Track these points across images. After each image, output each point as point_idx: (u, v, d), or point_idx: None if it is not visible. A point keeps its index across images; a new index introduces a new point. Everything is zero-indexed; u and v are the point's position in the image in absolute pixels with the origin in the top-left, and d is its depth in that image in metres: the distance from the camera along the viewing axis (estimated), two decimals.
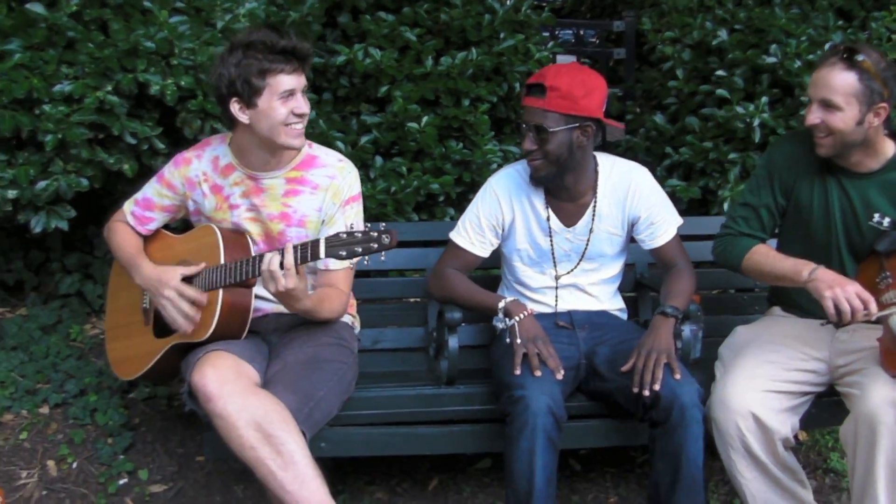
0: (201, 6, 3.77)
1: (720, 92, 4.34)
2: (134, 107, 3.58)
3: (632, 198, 3.24)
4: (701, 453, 2.97)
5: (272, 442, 2.70)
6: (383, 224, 2.75)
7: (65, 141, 3.36)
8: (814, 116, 3.00)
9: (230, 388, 2.76)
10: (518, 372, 2.96)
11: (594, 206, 3.23)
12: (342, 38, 4.43)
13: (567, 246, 3.27)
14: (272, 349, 3.12)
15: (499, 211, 3.25)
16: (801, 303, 3.24)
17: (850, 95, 2.94)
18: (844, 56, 2.94)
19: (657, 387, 2.95)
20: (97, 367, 3.80)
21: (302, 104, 2.96)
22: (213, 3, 3.76)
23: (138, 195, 3.26)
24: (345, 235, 2.70)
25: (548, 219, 3.23)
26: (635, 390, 2.96)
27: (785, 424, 3.05)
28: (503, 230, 3.28)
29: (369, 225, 2.76)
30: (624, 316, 3.44)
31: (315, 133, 4.11)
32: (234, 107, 2.93)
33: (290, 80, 2.92)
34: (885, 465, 2.85)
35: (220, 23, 3.65)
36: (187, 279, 3.03)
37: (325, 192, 3.09)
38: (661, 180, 4.45)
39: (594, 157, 3.26)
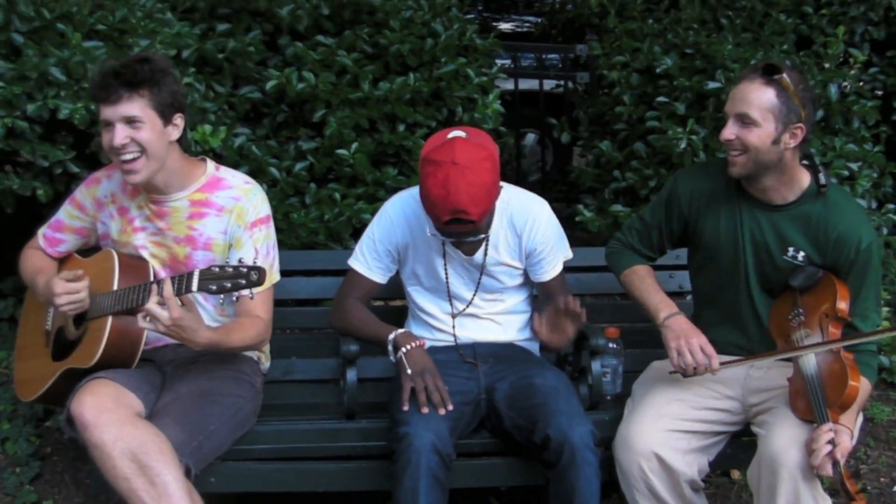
0: (125, 28, 3.74)
1: (651, 122, 4.25)
2: (48, 131, 3.53)
3: (529, 230, 3.15)
4: (595, 496, 2.87)
5: (147, 473, 2.63)
6: (256, 260, 2.70)
7: None
8: (729, 131, 2.90)
9: (107, 416, 2.69)
10: (406, 407, 2.88)
11: (489, 237, 3.13)
12: (283, 62, 4.38)
13: (464, 274, 3.19)
14: (167, 380, 3.05)
15: (394, 234, 3.18)
16: (717, 340, 3.13)
17: (767, 111, 2.85)
18: (764, 72, 2.85)
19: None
20: (14, 395, 3.74)
21: (114, 135, 2.83)
22: (134, 27, 3.72)
23: (52, 218, 3.22)
24: (217, 269, 2.65)
25: (443, 245, 3.14)
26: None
27: (692, 466, 2.95)
28: (399, 255, 3.20)
29: (242, 260, 2.70)
30: (534, 346, 3.34)
31: (249, 159, 4.05)
32: None
33: (106, 111, 2.83)
34: None
35: (137, 48, 3.59)
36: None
37: (229, 214, 3.02)
38: (608, 205, 4.37)
39: None
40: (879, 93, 4.73)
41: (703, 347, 2.94)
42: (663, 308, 3.05)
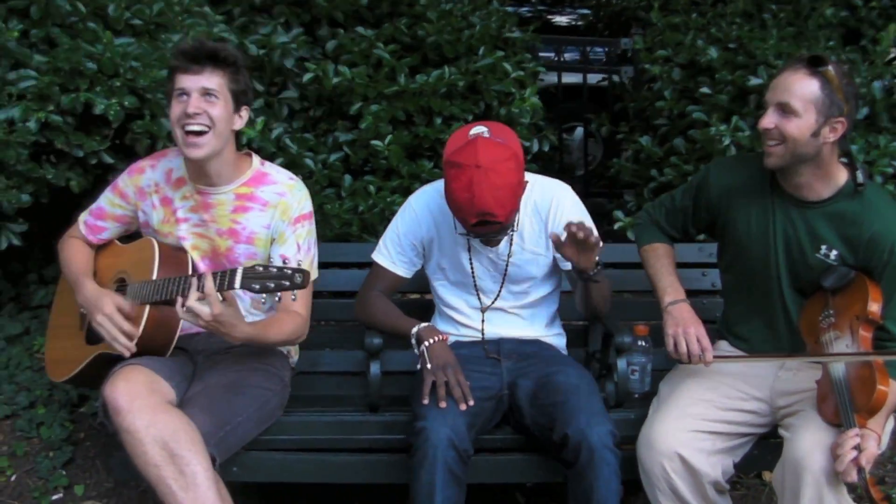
0: (162, 22, 3.78)
1: (697, 115, 4.19)
2: (84, 123, 3.58)
3: (553, 216, 3.12)
4: (615, 496, 2.83)
5: (176, 461, 2.65)
6: (298, 257, 2.75)
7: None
8: (768, 120, 2.83)
9: (140, 403, 2.72)
10: (426, 401, 2.87)
11: (515, 226, 3.11)
12: (322, 54, 4.40)
13: (489, 266, 3.16)
14: (197, 370, 3.08)
15: (419, 229, 3.17)
16: (746, 336, 3.08)
17: (809, 103, 2.77)
18: (809, 63, 2.79)
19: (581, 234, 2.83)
20: (50, 380, 3.81)
21: (191, 104, 2.86)
22: (171, 21, 3.76)
23: (93, 205, 3.25)
24: (261, 269, 2.64)
25: (467, 236, 3.12)
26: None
27: (716, 467, 2.90)
28: (424, 249, 3.20)
29: (287, 259, 2.69)
30: (561, 342, 3.32)
31: (285, 152, 4.08)
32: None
33: (185, 80, 2.87)
34: None
35: (170, 43, 3.63)
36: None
37: (274, 209, 3.04)
38: (646, 202, 4.31)
39: None
40: None
41: (699, 338, 2.93)
42: (670, 292, 3.05)
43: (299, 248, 3.02)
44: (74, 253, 3.23)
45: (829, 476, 2.65)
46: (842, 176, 2.93)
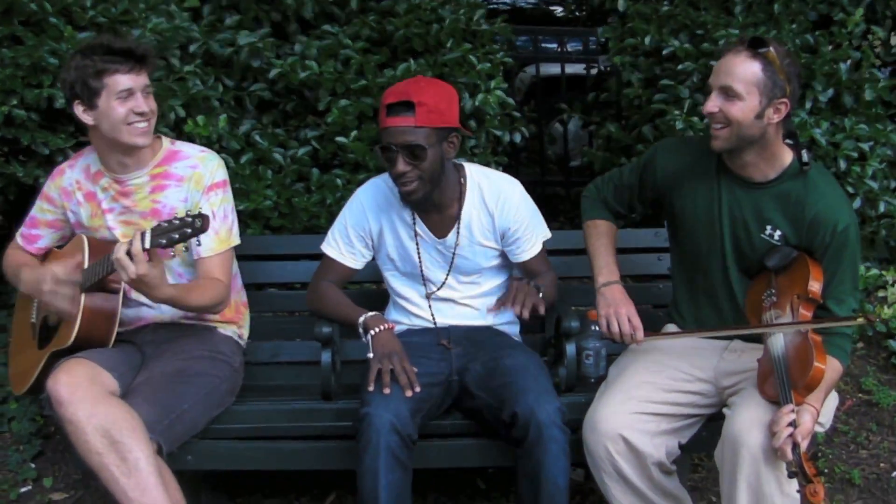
0: (127, 20, 3.84)
1: (657, 105, 4.20)
2: (49, 120, 3.65)
3: (501, 209, 3.15)
4: (563, 473, 2.86)
5: (118, 449, 2.72)
6: (200, 209, 2.81)
7: None
8: (712, 104, 2.86)
9: (81, 394, 2.79)
10: (371, 388, 2.91)
11: (461, 218, 3.14)
12: (291, 51, 4.44)
13: (438, 257, 3.20)
14: (144, 360, 3.13)
15: (365, 221, 3.21)
16: (693, 317, 3.12)
17: (752, 85, 2.79)
18: (750, 46, 2.81)
19: (526, 314, 2.99)
20: None
21: (141, 103, 2.98)
22: (135, 18, 3.82)
23: (27, 217, 3.32)
24: (165, 224, 2.73)
25: (414, 227, 3.17)
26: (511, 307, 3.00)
27: (659, 448, 2.92)
28: (373, 240, 3.23)
29: (188, 211, 2.80)
30: (514, 329, 3.35)
31: (255, 148, 4.14)
32: (78, 109, 2.99)
33: (127, 80, 2.95)
34: (746, 491, 2.71)
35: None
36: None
37: (188, 182, 3.11)
38: None
39: (461, 166, 3.20)
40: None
41: (629, 317, 2.99)
42: (605, 273, 3.10)
43: (214, 215, 3.08)
44: (13, 258, 3.31)
45: (766, 453, 2.67)
46: (787, 156, 2.94)
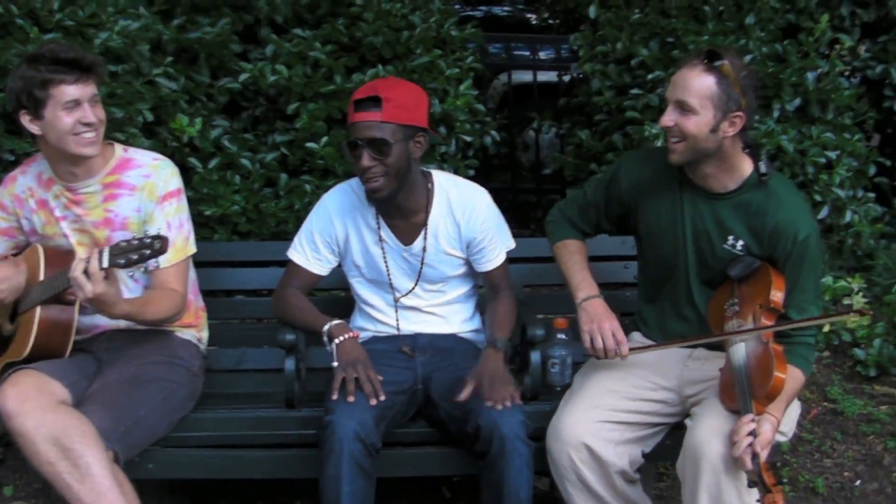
0: (94, 23, 3.82)
1: (630, 113, 4.21)
2: (14, 124, 3.61)
3: (468, 219, 3.15)
4: (526, 485, 2.87)
5: (69, 456, 2.70)
6: (159, 230, 2.80)
7: None
8: (668, 118, 2.86)
9: (29, 405, 2.76)
10: (335, 396, 2.90)
11: (427, 225, 3.14)
12: (263, 55, 4.43)
13: (404, 265, 3.19)
14: (101, 366, 3.10)
15: (332, 227, 3.20)
16: (659, 329, 3.12)
17: (706, 99, 2.79)
18: (705, 59, 2.81)
19: (508, 403, 2.89)
20: None
21: (88, 113, 2.93)
22: (103, 22, 3.80)
23: None
24: (124, 244, 2.71)
25: (380, 235, 3.16)
26: (489, 404, 2.88)
27: (622, 457, 2.92)
28: (339, 247, 3.22)
29: (147, 231, 2.81)
30: (480, 337, 3.35)
31: (224, 152, 4.12)
32: (25, 119, 2.95)
33: (73, 91, 2.91)
34: (707, 501, 2.71)
35: (97, 41, 3.66)
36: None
37: (141, 191, 3.08)
38: None
39: (429, 173, 3.20)
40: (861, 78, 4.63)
41: (614, 333, 2.95)
42: (583, 288, 3.06)
43: (169, 225, 3.06)
44: None
45: (726, 463, 2.67)
46: (747, 167, 2.95)
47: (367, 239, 3.19)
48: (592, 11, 4.64)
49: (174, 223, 3.08)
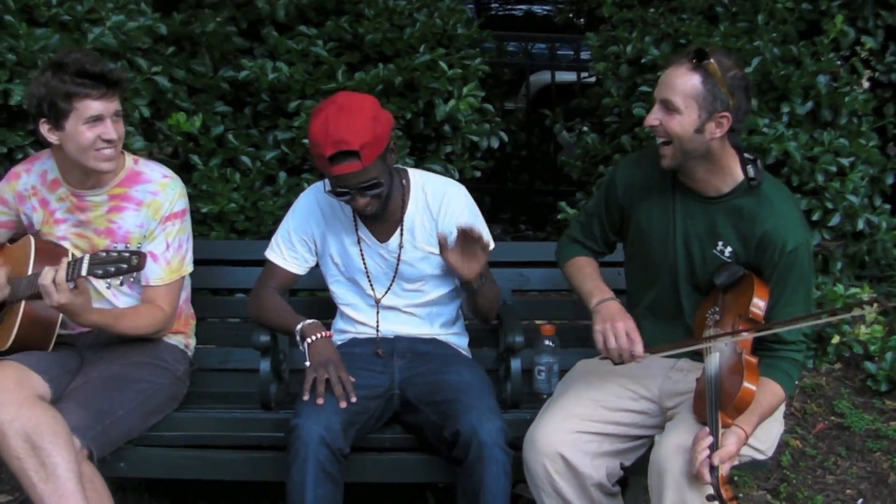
0: (93, 19, 3.80)
1: (638, 112, 4.11)
2: (9, 119, 3.63)
3: (444, 214, 3.09)
4: (504, 493, 2.81)
5: (38, 454, 2.68)
6: (169, 260, 2.86)
7: None
8: (653, 117, 2.77)
9: (6, 397, 2.75)
10: (306, 398, 2.85)
11: (403, 221, 3.08)
12: (266, 52, 4.40)
13: (382, 262, 3.14)
14: (84, 363, 3.09)
15: (308, 225, 3.15)
16: (648, 336, 3.01)
17: (690, 98, 2.70)
18: (693, 59, 2.71)
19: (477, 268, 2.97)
20: None
21: (110, 130, 2.90)
22: (101, 18, 3.78)
23: None
24: (104, 254, 2.70)
25: (357, 232, 3.12)
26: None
27: (599, 469, 2.84)
28: (316, 245, 3.17)
29: (127, 246, 2.76)
30: (462, 342, 3.28)
31: (226, 148, 4.10)
32: (44, 128, 2.91)
33: (98, 106, 2.87)
34: None
35: (91, 35, 3.65)
36: None
37: (147, 208, 3.06)
38: None
39: (404, 170, 3.16)
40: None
41: (628, 332, 2.78)
42: (597, 293, 2.93)
43: (168, 245, 3.05)
44: None
45: (689, 478, 2.59)
46: (737, 170, 2.84)
47: (344, 237, 3.14)
48: (606, 10, 4.54)
49: (174, 244, 3.07)
